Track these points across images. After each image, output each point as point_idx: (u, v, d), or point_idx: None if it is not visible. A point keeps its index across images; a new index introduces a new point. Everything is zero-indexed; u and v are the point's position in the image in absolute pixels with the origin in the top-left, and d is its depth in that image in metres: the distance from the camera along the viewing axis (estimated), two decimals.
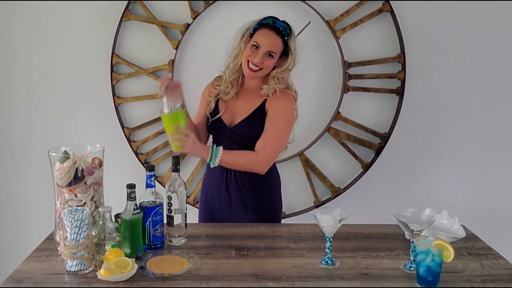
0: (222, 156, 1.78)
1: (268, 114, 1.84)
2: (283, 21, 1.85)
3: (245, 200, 1.91)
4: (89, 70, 2.50)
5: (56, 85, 2.51)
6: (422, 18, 2.44)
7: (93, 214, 1.53)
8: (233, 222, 1.89)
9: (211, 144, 1.84)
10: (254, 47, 1.81)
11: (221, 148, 1.79)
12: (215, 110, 1.93)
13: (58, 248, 1.44)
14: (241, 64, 1.86)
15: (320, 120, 2.52)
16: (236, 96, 1.92)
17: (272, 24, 1.83)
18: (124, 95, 2.52)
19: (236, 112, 1.90)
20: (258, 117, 1.85)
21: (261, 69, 1.82)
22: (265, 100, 1.86)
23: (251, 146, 1.85)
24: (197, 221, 2.02)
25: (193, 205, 2.55)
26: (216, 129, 1.93)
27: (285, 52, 1.85)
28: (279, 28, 1.82)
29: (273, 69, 1.87)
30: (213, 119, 1.91)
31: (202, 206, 2.04)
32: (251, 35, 1.84)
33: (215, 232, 1.77)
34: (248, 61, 1.82)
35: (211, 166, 1.80)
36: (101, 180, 1.59)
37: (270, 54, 1.81)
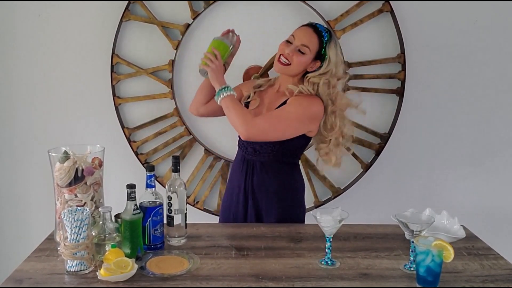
0: (227, 97, 1.78)
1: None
2: (326, 28, 1.86)
3: (266, 204, 1.91)
4: (89, 70, 2.50)
5: (56, 85, 2.51)
6: (422, 18, 2.44)
7: (93, 214, 1.53)
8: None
9: (228, 85, 1.82)
10: (288, 42, 1.84)
11: (233, 91, 1.80)
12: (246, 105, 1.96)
13: (58, 248, 1.44)
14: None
15: None
16: (265, 96, 1.95)
17: (311, 24, 1.86)
18: (124, 95, 2.52)
19: (261, 110, 1.92)
20: None
21: (290, 64, 1.82)
22: (288, 99, 1.86)
23: (273, 147, 1.86)
24: (196, 222, 2.01)
25: (193, 205, 2.55)
26: None
27: (320, 56, 1.83)
28: (317, 27, 1.84)
29: (309, 73, 1.86)
30: None
31: (223, 210, 2.06)
32: None
33: (215, 232, 1.77)
34: (280, 55, 1.84)
35: (216, 100, 1.81)
36: (101, 180, 1.59)
37: (301, 51, 1.80)
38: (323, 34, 1.82)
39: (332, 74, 1.83)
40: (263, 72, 2.40)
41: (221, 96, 1.79)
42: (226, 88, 1.79)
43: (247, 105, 1.97)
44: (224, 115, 1.85)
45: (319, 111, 1.84)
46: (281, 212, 1.90)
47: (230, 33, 1.93)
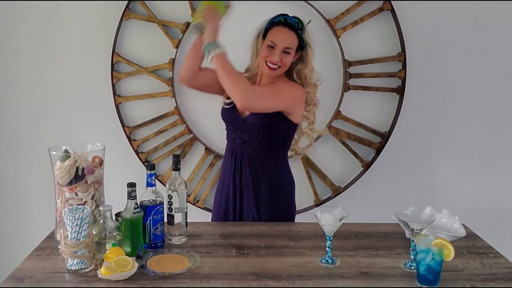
0: (220, 57, 1.72)
1: None
2: (294, 16, 1.87)
3: (253, 201, 1.90)
4: (89, 69, 2.50)
5: (57, 84, 2.51)
6: (423, 17, 2.44)
7: (94, 213, 1.54)
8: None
9: (218, 46, 1.75)
10: (270, 46, 1.83)
11: (225, 49, 1.76)
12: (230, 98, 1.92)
13: (59, 247, 1.44)
14: (257, 65, 1.91)
15: (321, 119, 2.51)
16: None
17: (283, 21, 1.85)
18: (125, 94, 2.52)
19: None
20: None
21: (280, 66, 1.84)
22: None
23: (262, 137, 1.86)
24: (197, 220, 2.01)
25: (193, 204, 2.56)
26: (229, 117, 1.94)
27: (300, 46, 1.86)
28: (291, 24, 1.84)
29: (295, 64, 1.89)
30: (227, 106, 1.92)
31: (214, 207, 2.05)
32: (264, 36, 1.87)
33: (216, 231, 1.77)
34: (266, 61, 1.84)
35: (205, 56, 1.75)
36: (102, 179, 1.59)
37: (286, 51, 1.83)
38: (297, 27, 1.84)
39: (313, 56, 1.90)
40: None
41: (212, 52, 1.72)
42: (214, 43, 1.73)
43: (230, 102, 1.93)
44: (216, 92, 1.88)
45: (303, 95, 1.90)
46: (269, 209, 1.90)
47: None
